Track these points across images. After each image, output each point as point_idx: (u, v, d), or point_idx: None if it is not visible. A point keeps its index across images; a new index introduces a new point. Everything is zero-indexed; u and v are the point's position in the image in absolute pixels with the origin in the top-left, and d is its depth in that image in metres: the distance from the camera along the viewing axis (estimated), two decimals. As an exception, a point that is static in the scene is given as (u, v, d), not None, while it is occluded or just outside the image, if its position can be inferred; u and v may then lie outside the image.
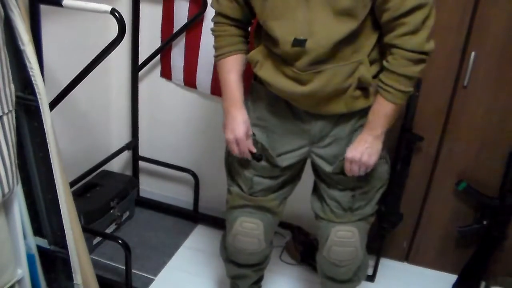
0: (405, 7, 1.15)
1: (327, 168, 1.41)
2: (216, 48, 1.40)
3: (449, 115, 1.93)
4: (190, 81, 2.20)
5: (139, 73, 2.25)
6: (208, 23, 1.98)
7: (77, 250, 1.50)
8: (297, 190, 1.61)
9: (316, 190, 1.55)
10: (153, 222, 2.39)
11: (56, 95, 1.53)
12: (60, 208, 1.43)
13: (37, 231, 1.56)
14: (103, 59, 1.45)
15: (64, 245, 1.50)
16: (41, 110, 1.33)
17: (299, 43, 1.21)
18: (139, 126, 2.36)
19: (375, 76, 1.29)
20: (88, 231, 1.98)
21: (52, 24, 1.74)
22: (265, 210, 1.53)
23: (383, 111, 1.27)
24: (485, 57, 1.79)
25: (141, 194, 2.52)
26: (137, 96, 2.29)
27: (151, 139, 2.42)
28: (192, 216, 2.42)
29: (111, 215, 2.19)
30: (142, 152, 2.43)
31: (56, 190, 1.41)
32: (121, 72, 2.27)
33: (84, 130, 2.21)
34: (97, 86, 2.21)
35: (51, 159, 1.37)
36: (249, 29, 1.44)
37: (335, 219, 1.48)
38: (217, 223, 2.26)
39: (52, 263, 1.63)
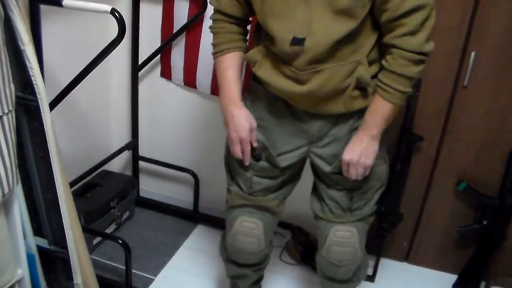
0: (404, 8, 1.15)
1: (326, 168, 1.41)
2: (214, 45, 1.39)
3: (449, 115, 1.93)
4: (190, 81, 2.20)
5: (139, 73, 2.25)
6: (208, 23, 1.97)
7: (77, 250, 1.50)
8: (297, 190, 1.61)
9: (315, 190, 1.55)
10: (153, 222, 2.39)
11: (56, 95, 1.53)
12: (60, 208, 1.43)
13: (37, 231, 1.56)
14: (103, 59, 1.44)
15: (64, 245, 1.50)
16: (41, 110, 1.33)
17: (298, 42, 1.21)
18: (139, 126, 2.36)
19: (374, 77, 1.29)
20: (88, 231, 1.98)
21: (52, 24, 1.74)
22: (265, 210, 1.53)
23: (380, 111, 1.27)
24: (485, 57, 1.80)
25: (141, 194, 2.52)
26: (137, 96, 2.29)
27: (151, 139, 2.42)
28: (192, 216, 2.42)
29: (111, 215, 2.19)
30: (142, 152, 2.43)
31: (56, 190, 1.41)
32: (121, 72, 2.27)
33: (84, 130, 2.21)
34: (97, 86, 2.21)
35: (51, 159, 1.37)
36: (248, 27, 1.44)
37: (334, 219, 1.48)
38: (217, 223, 2.26)
39: (52, 263, 1.63)
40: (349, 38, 1.21)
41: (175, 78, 2.24)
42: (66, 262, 1.53)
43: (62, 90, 1.52)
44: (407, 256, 2.23)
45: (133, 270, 1.93)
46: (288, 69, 1.27)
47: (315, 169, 1.49)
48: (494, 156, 1.93)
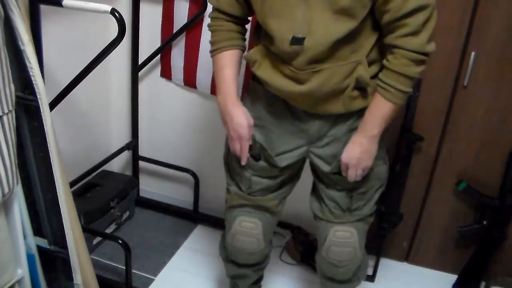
0: (406, 8, 1.15)
1: (325, 168, 1.41)
2: (212, 43, 1.39)
3: (449, 115, 1.93)
4: (190, 81, 2.20)
5: (139, 73, 2.25)
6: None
7: (77, 250, 1.50)
8: (297, 190, 1.61)
9: (315, 191, 1.55)
10: (153, 222, 2.39)
11: (56, 95, 1.53)
12: (60, 208, 1.43)
13: (37, 231, 1.56)
14: (103, 59, 1.44)
15: (64, 245, 1.50)
16: (41, 110, 1.33)
17: (297, 41, 1.21)
18: (139, 126, 2.36)
19: (373, 77, 1.29)
20: (88, 231, 1.98)
21: (52, 24, 1.74)
22: (264, 210, 1.53)
23: (381, 110, 1.27)
24: (485, 57, 1.80)
25: (141, 194, 2.52)
26: (137, 96, 2.29)
27: (151, 139, 2.42)
28: (192, 216, 2.42)
29: (111, 215, 2.19)
30: (142, 152, 2.43)
31: (56, 190, 1.41)
32: (121, 72, 2.27)
33: (84, 130, 2.21)
34: (97, 86, 2.21)
35: (51, 159, 1.37)
36: (247, 26, 1.44)
37: (334, 219, 1.48)
38: (217, 223, 2.26)
39: (52, 263, 1.63)
40: (349, 38, 1.21)
41: (175, 78, 2.24)
42: (66, 262, 1.53)
43: (62, 90, 1.52)
44: (407, 256, 2.23)
45: (133, 270, 1.93)
46: (288, 69, 1.27)
47: (314, 169, 1.49)
48: (494, 156, 1.93)
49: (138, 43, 2.17)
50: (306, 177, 1.57)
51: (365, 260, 1.63)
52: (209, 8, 1.77)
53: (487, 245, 1.97)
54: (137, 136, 2.38)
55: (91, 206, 2.07)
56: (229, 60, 1.37)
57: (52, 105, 1.50)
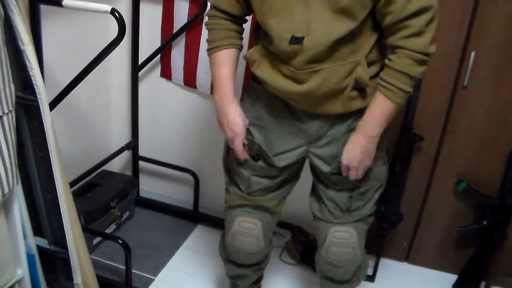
0: (409, 10, 1.15)
1: (325, 168, 1.41)
2: (209, 41, 1.38)
3: (449, 115, 1.93)
4: (190, 81, 2.20)
5: (139, 73, 2.25)
6: (208, 23, 1.98)
7: (77, 250, 1.50)
8: (297, 190, 1.61)
9: (314, 191, 1.55)
10: (153, 222, 2.39)
11: (56, 95, 1.53)
12: (60, 208, 1.43)
13: (37, 231, 1.56)
14: (103, 59, 1.45)
15: (64, 245, 1.50)
16: (41, 110, 1.33)
17: (296, 40, 1.21)
18: (139, 126, 2.36)
19: (372, 77, 1.28)
20: (88, 231, 1.98)
21: (52, 24, 1.74)
22: (264, 210, 1.53)
23: (381, 110, 1.26)
24: (485, 57, 1.79)
25: (141, 194, 2.52)
26: (137, 96, 2.29)
27: (151, 139, 2.42)
28: (192, 216, 2.42)
29: (111, 215, 2.19)
30: (142, 152, 2.43)
31: (56, 190, 1.41)
32: (121, 72, 2.27)
33: (84, 130, 2.21)
34: (97, 86, 2.21)
35: (51, 159, 1.37)
36: (246, 26, 1.43)
37: (333, 219, 1.48)
38: (217, 223, 2.26)
39: (52, 263, 1.63)
40: (349, 38, 1.21)
41: (175, 78, 2.24)
42: (66, 262, 1.53)
43: (62, 90, 1.52)
44: (407, 256, 2.23)
45: (133, 270, 1.93)
46: (287, 68, 1.27)
47: (314, 169, 1.49)
48: (494, 156, 1.93)
49: (138, 43, 2.17)
50: (306, 177, 1.57)
51: (365, 260, 1.63)
52: (209, 8, 1.77)
53: (487, 245, 1.97)
54: (137, 136, 2.38)
55: (91, 206, 2.07)
56: (226, 59, 1.36)
57: (52, 105, 1.50)
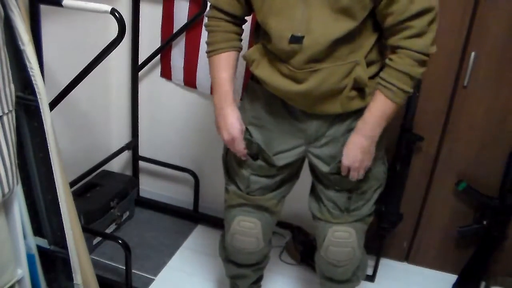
0: (410, 11, 1.15)
1: (324, 168, 1.41)
2: (208, 43, 1.38)
3: (449, 115, 1.93)
4: (190, 81, 2.20)
5: (139, 73, 2.25)
6: (208, 23, 1.98)
7: (77, 250, 1.50)
8: (297, 190, 1.61)
9: (313, 191, 1.55)
10: (153, 222, 2.39)
11: (56, 95, 1.53)
12: (60, 208, 1.43)
13: (37, 231, 1.56)
14: (103, 59, 1.44)
15: (64, 245, 1.50)
16: (41, 110, 1.33)
17: (296, 40, 1.21)
18: (139, 126, 2.36)
19: (372, 78, 1.28)
20: (88, 231, 1.98)
21: (52, 24, 1.74)
22: (263, 209, 1.53)
23: (381, 110, 1.26)
24: (485, 57, 1.80)
25: (141, 194, 2.52)
26: (137, 96, 2.29)
27: (151, 139, 2.42)
28: (192, 216, 2.42)
29: (111, 215, 2.19)
30: (142, 152, 2.43)
31: (56, 190, 1.41)
32: (121, 72, 2.27)
33: (84, 130, 2.21)
34: (97, 86, 2.21)
35: (51, 159, 1.37)
36: (246, 26, 1.43)
37: (332, 219, 1.48)
38: (217, 223, 2.26)
39: (52, 263, 1.63)
40: (348, 38, 1.21)
41: (175, 78, 2.24)
42: (66, 262, 1.53)
43: (62, 90, 1.52)
44: (407, 256, 2.23)
45: (133, 270, 1.93)
46: (286, 68, 1.27)
47: (313, 169, 1.49)
48: (494, 156, 1.93)
49: (138, 43, 2.17)
50: (306, 177, 1.57)
51: (364, 260, 1.63)
52: (209, 7, 1.77)
53: (487, 245, 1.97)
54: (137, 136, 2.38)
55: (91, 206, 2.07)
56: (226, 62, 1.36)
57: (52, 105, 1.50)
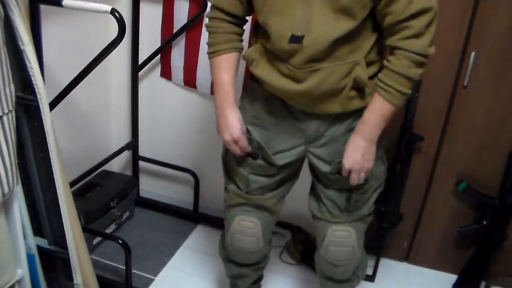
0: (409, 11, 1.15)
1: (324, 168, 1.41)
2: (210, 44, 1.38)
3: (449, 115, 1.93)
4: (190, 81, 2.20)
5: (139, 73, 2.25)
6: (208, 23, 1.98)
7: (77, 250, 1.50)
8: (297, 190, 1.61)
9: (313, 190, 1.55)
10: (153, 222, 2.39)
11: (56, 95, 1.53)
12: (60, 208, 1.43)
13: (37, 231, 1.56)
14: (103, 59, 1.45)
15: (64, 245, 1.50)
16: (41, 110, 1.33)
17: (296, 39, 1.21)
18: (139, 126, 2.36)
19: (371, 77, 1.28)
20: (88, 231, 1.98)
21: (52, 24, 1.74)
22: (263, 209, 1.53)
23: (380, 111, 1.26)
24: (485, 57, 1.80)
25: (141, 194, 2.52)
26: (137, 96, 2.29)
27: (151, 139, 2.42)
28: (192, 216, 2.42)
29: (111, 215, 2.19)
30: (142, 152, 2.43)
31: (56, 190, 1.41)
32: (121, 72, 2.27)
33: (84, 130, 2.21)
34: (97, 86, 2.21)
35: (51, 159, 1.37)
36: (246, 26, 1.43)
37: (332, 219, 1.48)
38: (217, 223, 2.26)
39: (52, 263, 1.63)
40: (348, 38, 1.21)
41: (175, 78, 2.24)
42: (66, 262, 1.53)
43: (62, 90, 1.52)
44: (407, 256, 2.23)
45: (133, 270, 1.93)
46: (285, 67, 1.27)
47: (313, 169, 1.49)
48: (494, 156, 1.93)
49: (138, 43, 2.17)
50: (306, 177, 1.57)
51: (364, 259, 1.63)
52: (209, 8, 1.77)
53: (487, 245, 1.97)
54: (137, 136, 2.38)
55: (91, 206, 2.07)
56: (227, 63, 1.36)
57: (52, 105, 1.50)
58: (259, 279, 1.78)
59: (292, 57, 1.24)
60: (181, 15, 2.07)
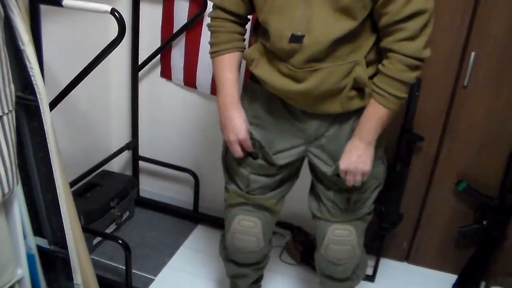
0: (404, 12, 1.15)
1: (324, 168, 1.41)
2: (212, 44, 1.37)
3: (449, 115, 1.93)
4: (190, 81, 2.20)
5: (139, 73, 2.25)
6: (208, 23, 1.98)
7: (77, 250, 1.50)
8: (297, 190, 1.61)
9: (313, 190, 1.55)
10: (153, 222, 2.39)
11: (56, 95, 1.53)
12: (60, 208, 1.43)
13: (37, 231, 1.56)
14: (103, 59, 1.44)
15: (64, 245, 1.50)
16: (41, 110, 1.33)
17: (296, 39, 1.20)
18: (139, 126, 2.36)
19: (371, 77, 1.28)
20: (88, 231, 1.98)
21: (52, 24, 1.74)
22: (263, 209, 1.53)
23: (376, 116, 1.27)
24: (485, 57, 1.80)
25: (141, 194, 2.52)
26: (137, 96, 2.29)
27: (151, 139, 2.42)
28: (192, 216, 2.42)
29: (111, 215, 2.19)
30: (142, 152, 2.43)
31: (56, 190, 1.41)
32: (121, 72, 2.27)
33: (84, 130, 2.21)
34: (97, 86, 2.21)
35: (51, 159, 1.37)
36: (247, 26, 1.43)
37: (332, 218, 1.49)
38: (217, 223, 2.26)
39: (52, 263, 1.63)
40: (349, 38, 1.21)
41: (175, 78, 2.24)
42: (66, 262, 1.53)
43: (62, 90, 1.52)
44: (407, 256, 2.23)
45: (133, 270, 1.93)
46: (286, 67, 1.27)
47: (313, 169, 1.49)
48: (494, 156, 1.93)
49: (138, 43, 2.17)
50: (306, 177, 1.57)
51: (364, 258, 1.64)
52: (209, 8, 1.77)
53: (487, 245, 1.97)
54: (137, 136, 2.38)
55: (91, 206, 2.07)
56: (230, 63, 1.36)
57: (52, 105, 1.50)
58: (259, 279, 1.78)
59: (292, 57, 1.24)
60: (181, 15, 2.07)
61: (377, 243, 2.03)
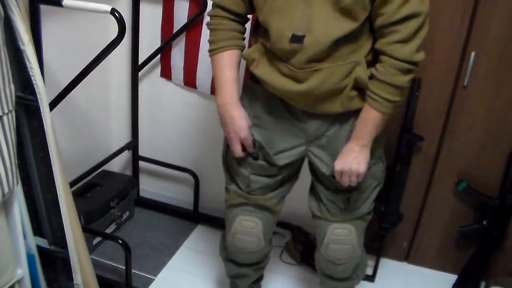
0: (399, 14, 1.15)
1: (324, 168, 1.41)
2: (211, 42, 1.36)
3: (449, 115, 1.93)
4: (190, 81, 2.20)
5: (139, 73, 2.25)
6: (208, 23, 1.98)
7: (77, 250, 1.50)
8: (297, 190, 1.61)
9: (313, 190, 1.55)
10: (153, 222, 2.39)
11: (56, 95, 1.53)
12: (60, 208, 1.43)
13: (37, 231, 1.56)
14: (103, 59, 1.44)
15: (64, 245, 1.50)
16: (41, 110, 1.33)
17: (297, 39, 1.20)
18: (139, 126, 2.36)
19: (371, 78, 1.29)
20: (88, 231, 1.98)
21: (52, 24, 1.74)
22: (264, 209, 1.53)
23: (370, 119, 1.27)
24: (485, 57, 1.79)
25: (141, 194, 2.52)
26: (137, 96, 2.29)
27: (151, 139, 2.42)
28: (192, 216, 2.42)
29: (111, 215, 2.19)
30: (142, 152, 2.43)
31: (56, 190, 1.41)
32: (121, 72, 2.27)
33: (84, 130, 2.21)
34: (97, 86, 2.21)
35: (51, 159, 1.37)
36: (246, 25, 1.43)
37: (332, 218, 1.49)
38: (217, 223, 2.26)
39: (52, 263, 1.63)
40: (349, 38, 1.21)
41: (175, 78, 2.24)
42: (66, 262, 1.53)
43: (62, 90, 1.52)
44: (407, 256, 2.23)
45: (133, 270, 1.93)
46: (286, 67, 1.27)
47: (313, 169, 1.49)
48: (494, 156, 1.93)
49: (138, 43, 2.17)
50: (306, 177, 1.57)
51: (364, 258, 1.64)
52: (209, 8, 1.77)
53: (487, 245, 1.97)
54: (137, 136, 2.38)
55: (91, 206, 2.07)
56: (229, 60, 1.35)
57: (52, 105, 1.50)
58: (259, 279, 1.78)
59: (293, 57, 1.24)
60: (181, 15, 2.07)
61: (377, 243, 2.03)
